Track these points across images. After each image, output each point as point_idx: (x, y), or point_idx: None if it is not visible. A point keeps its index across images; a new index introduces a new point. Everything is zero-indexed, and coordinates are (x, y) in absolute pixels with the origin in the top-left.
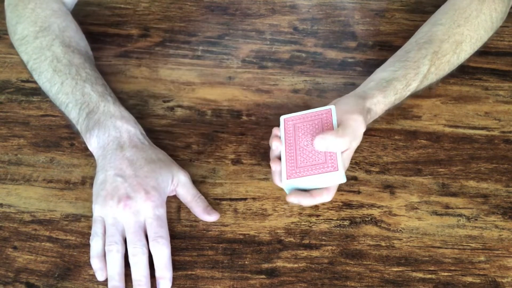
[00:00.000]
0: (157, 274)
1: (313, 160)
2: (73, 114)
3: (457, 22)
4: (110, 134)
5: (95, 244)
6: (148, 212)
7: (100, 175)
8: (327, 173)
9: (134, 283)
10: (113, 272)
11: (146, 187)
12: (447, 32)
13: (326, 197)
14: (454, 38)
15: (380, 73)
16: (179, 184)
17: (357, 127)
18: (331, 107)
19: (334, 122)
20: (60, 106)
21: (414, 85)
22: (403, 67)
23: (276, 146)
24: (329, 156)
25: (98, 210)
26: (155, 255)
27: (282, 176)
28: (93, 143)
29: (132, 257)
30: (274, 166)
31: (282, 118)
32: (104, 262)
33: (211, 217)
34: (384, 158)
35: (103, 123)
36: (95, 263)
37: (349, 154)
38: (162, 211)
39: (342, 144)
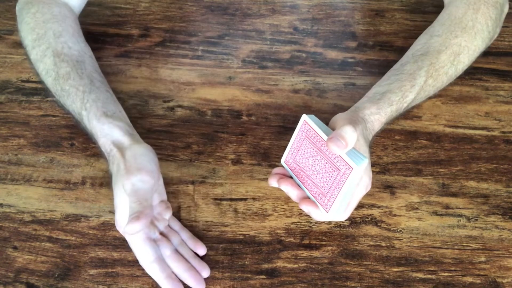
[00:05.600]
0: None
1: (329, 176)
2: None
3: (454, 33)
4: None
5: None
6: None
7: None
8: (348, 177)
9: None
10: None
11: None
12: (444, 43)
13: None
14: (452, 49)
15: (375, 88)
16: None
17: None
18: (302, 116)
19: (316, 128)
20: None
21: (411, 97)
22: (398, 80)
23: (288, 190)
24: (336, 161)
25: None
26: None
27: (322, 211)
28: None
29: None
30: (306, 207)
31: (283, 163)
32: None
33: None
34: (384, 158)
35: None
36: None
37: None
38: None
39: (353, 133)
